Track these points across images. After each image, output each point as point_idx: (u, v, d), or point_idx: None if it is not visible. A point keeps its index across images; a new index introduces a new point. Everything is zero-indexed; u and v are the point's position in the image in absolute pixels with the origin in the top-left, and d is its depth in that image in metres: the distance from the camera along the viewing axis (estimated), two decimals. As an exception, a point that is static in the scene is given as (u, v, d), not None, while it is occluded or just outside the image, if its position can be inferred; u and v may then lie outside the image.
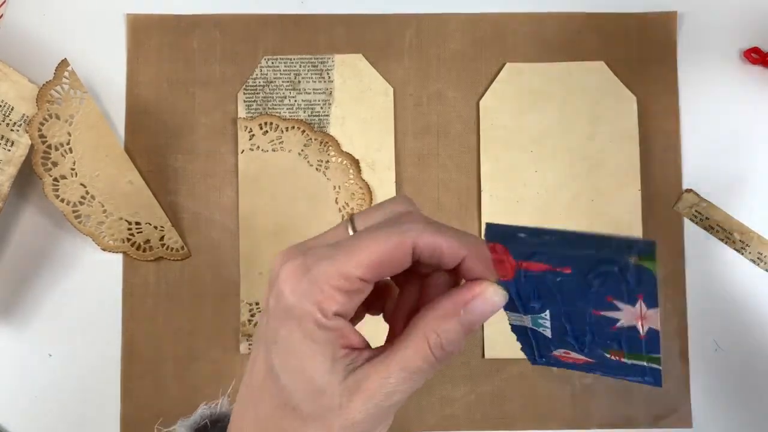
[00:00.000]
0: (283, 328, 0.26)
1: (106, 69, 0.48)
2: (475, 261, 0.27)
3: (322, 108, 0.48)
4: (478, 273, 0.27)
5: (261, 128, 0.47)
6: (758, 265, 0.47)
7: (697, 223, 0.47)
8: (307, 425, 0.26)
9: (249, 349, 0.46)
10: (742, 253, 0.47)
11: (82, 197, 0.45)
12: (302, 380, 0.26)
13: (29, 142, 0.45)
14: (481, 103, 0.48)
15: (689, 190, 0.47)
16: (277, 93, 0.48)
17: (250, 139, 0.47)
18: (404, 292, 0.29)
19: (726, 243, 0.47)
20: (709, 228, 0.47)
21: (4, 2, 0.48)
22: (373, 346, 0.27)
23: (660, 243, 0.47)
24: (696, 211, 0.47)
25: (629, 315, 0.24)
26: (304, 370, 0.26)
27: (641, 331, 0.24)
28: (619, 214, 0.47)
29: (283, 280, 0.26)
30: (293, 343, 0.26)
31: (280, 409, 0.26)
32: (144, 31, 0.48)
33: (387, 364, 0.26)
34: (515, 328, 0.28)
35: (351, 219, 0.28)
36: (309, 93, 0.48)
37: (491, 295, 0.26)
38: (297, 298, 0.26)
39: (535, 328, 0.28)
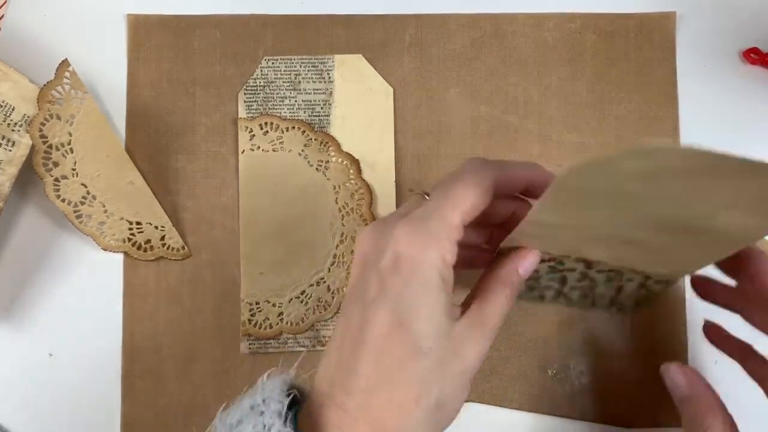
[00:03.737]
0: (413, 281, 0.29)
1: (107, 69, 0.48)
2: (542, 183, 0.33)
3: (322, 108, 0.48)
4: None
5: (261, 128, 0.47)
6: None
7: None
8: (436, 370, 0.29)
9: (249, 348, 0.46)
10: None
11: (83, 197, 0.45)
12: (435, 326, 0.29)
13: (30, 142, 0.45)
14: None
15: None
16: (277, 93, 0.48)
17: (250, 140, 0.47)
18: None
19: None
20: None
21: (4, 2, 0.48)
22: None
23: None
24: None
25: None
26: (434, 317, 0.29)
27: None
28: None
29: (399, 239, 0.29)
30: (422, 293, 0.29)
31: (413, 355, 0.29)
32: (144, 32, 0.48)
33: (479, 321, 0.31)
34: None
35: (423, 193, 0.33)
36: (309, 93, 0.48)
37: (532, 254, 0.33)
38: (420, 251, 0.29)
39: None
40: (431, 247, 0.29)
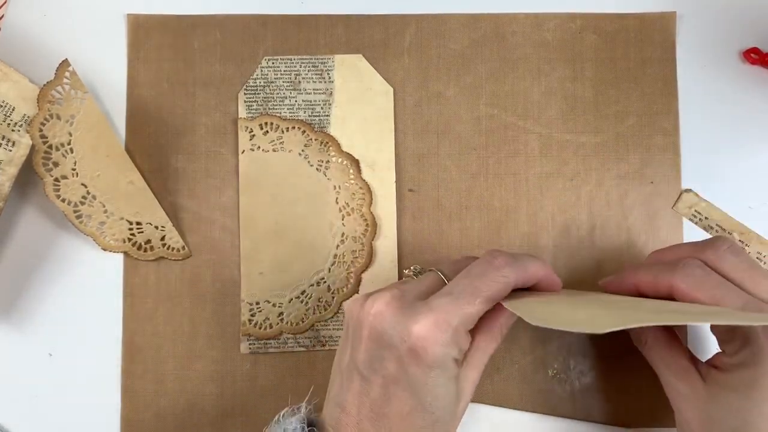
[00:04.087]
0: (433, 372, 0.33)
1: (107, 69, 0.48)
2: (548, 283, 0.38)
3: (322, 108, 0.48)
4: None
5: (261, 128, 0.47)
6: None
7: (696, 223, 0.47)
8: (450, 423, 0.35)
9: (249, 348, 0.46)
10: None
11: (83, 197, 0.45)
12: (450, 400, 0.34)
13: (30, 142, 0.45)
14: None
15: (688, 190, 0.47)
16: (277, 93, 0.48)
17: (250, 140, 0.47)
18: None
19: None
20: (709, 228, 0.47)
21: (4, 2, 0.48)
22: None
23: (659, 245, 0.47)
24: (696, 211, 0.47)
25: None
26: (449, 395, 0.34)
27: None
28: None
29: (419, 332, 0.32)
30: (442, 382, 0.33)
31: (431, 426, 0.34)
32: (144, 31, 0.48)
33: (477, 350, 0.37)
34: None
35: (440, 270, 0.37)
36: (309, 93, 0.48)
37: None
38: (441, 348, 0.33)
39: None
40: (451, 345, 0.33)
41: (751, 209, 0.48)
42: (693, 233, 0.47)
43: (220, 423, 0.46)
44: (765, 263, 0.47)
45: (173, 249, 0.46)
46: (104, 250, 0.46)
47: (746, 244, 0.47)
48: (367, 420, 0.34)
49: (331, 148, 0.47)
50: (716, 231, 0.47)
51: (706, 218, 0.47)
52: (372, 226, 0.47)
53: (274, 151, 0.47)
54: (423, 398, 0.33)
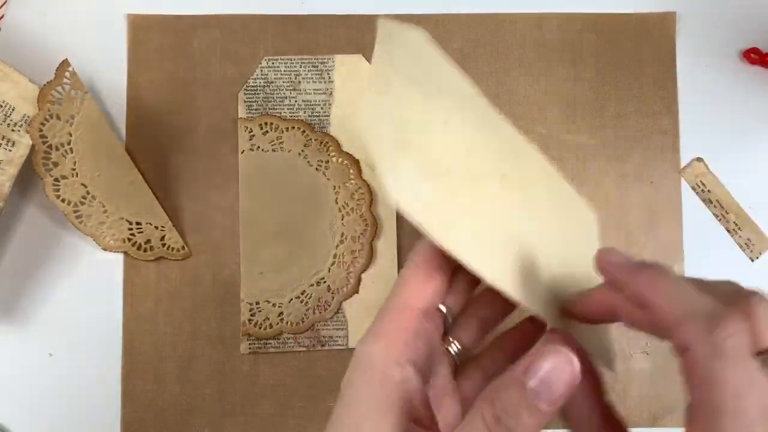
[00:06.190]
0: (352, 386, 0.24)
1: (107, 69, 0.48)
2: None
3: (322, 108, 0.48)
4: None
5: (261, 128, 0.47)
6: (744, 250, 0.47)
7: (698, 194, 0.47)
8: None
9: (249, 348, 0.46)
10: (733, 235, 0.47)
11: (83, 197, 0.45)
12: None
13: (30, 142, 0.45)
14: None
15: (699, 159, 0.47)
16: (277, 93, 0.48)
17: (250, 139, 0.47)
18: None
19: (720, 221, 0.47)
20: (708, 201, 0.47)
21: (4, 2, 0.48)
22: None
23: (659, 245, 0.47)
24: (701, 181, 0.47)
25: None
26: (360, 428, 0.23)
27: None
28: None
29: (356, 349, 0.25)
30: (357, 393, 0.24)
31: None
32: (144, 32, 0.48)
33: None
34: None
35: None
36: (309, 93, 0.48)
37: (559, 357, 0.21)
38: (363, 348, 0.24)
39: None
40: (369, 343, 0.25)
41: (751, 209, 0.48)
42: (694, 232, 0.47)
43: (220, 423, 0.46)
44: (752, 250, 0.47)
45: (173, 249, 0.46)
46: (104, 250, 0.46)
47: (739, 227, 0.47)
48: None
49: (331, 148, 0.47)
50: (715, 206, 0.47)
51: (708, 191, 0.47)
52: (372, 226, 0.47)
53: (273, 151, 0.47)
54: (338, 409, 0.24)
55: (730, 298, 0.21)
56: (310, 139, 0.47)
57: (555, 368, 0.21)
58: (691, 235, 0.47)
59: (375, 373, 0.23)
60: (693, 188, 0.47)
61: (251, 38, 0.48)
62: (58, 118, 0.45)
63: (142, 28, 0.48)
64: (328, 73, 0.48)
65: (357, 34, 0.48)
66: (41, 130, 0.45)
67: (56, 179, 0.45)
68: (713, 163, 0.48)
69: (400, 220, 0.47)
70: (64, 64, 0.45)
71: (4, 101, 0.44)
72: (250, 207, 0.47)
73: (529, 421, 0.21)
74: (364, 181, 0.47)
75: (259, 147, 0.47)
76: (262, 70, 0.48)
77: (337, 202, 0.47)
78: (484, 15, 0.49)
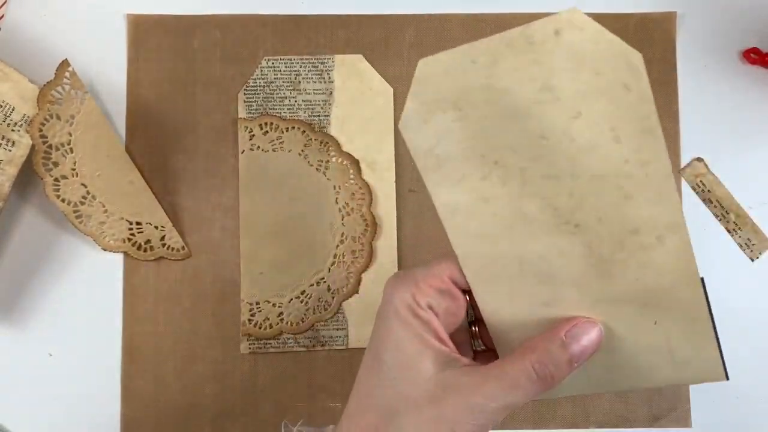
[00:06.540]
0: (383, 316, 0.30)
1: (107, 69, 0.48)
2: None
3: (322, 108, 0.48)
4: None
5: (261, 128, 0.47)
6: (744, 250, 0.47)
7: (698, 194, 0.47)
8: (402, 403, 0.29)
9: (249, 348, 0.46)
10: (733, 235, 0.47)
11: (83, 197, 0.45)
12: (401, 359, 0.29)
13: (30, 142, 0.45)
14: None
15: (700, 159, 0.47)
16: (277, 93, 0.48)
17: (250, 140, 0.47)
18: None
19: (720, 221, 0.47)
20: (708, 201, 0.47)
21: (4, 2, 0.48)
22: None
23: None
24: (701, 181, 0.47)
25: None
26: (403, 350, 0.29)
27: None
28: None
29: (386, 284, 0.30)
30: (391, 327, 0.29)
31: (379, 387, 0.29)
32: (144, 32, 0.48)
33: (485, 373, 0.28)
34: None
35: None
36: (309, 93, 0.48)
37: (588, 325, 0.29)
38: (394, 291, 0.30)
39: None
40: (403, 289, 0.30)
41: (751, 209, 0.48)
42: (693, 232, 0.47)
43: (220, 423, 0.46)
44: (752, 250, 0.47)
45: (173, 249, 0.46)
46: (104, 250, 0.46)
47: (739, 227, 0.47)
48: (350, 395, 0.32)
49: (331, 148, 0.47)
50: (715, 206, 0.47)
51: (708, 191, 0.47)
52: (372, 226, 0.47)
53: (273, 151, 0.47)
54: (377, 348, 0.31)
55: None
56: (310, 139, 0.47)
57: (590, 336, 0.29)
58: (691, 235, 0.47)
59: (406, 309, 0.29)
60: (693, 188, 0.47)
61: (251, 38, 0.48)
62: (58, 118, 0.45)
63: (142, 28, 0.48)
64: (328, 73, 0.48)
65: (357, 34, 0.48)
66: (41, 130, 0.45)
67: (56, 179, 0.45)
68: (713, 163, 0.48)
69: (401, 220, 0.47)
70: (64, 64, 0.45)
71: (4, 101, 0.44)
72: (250, 207, 0.47)
73: (565, 372, 0.28)
74: (364, 181, 0.47)
75: (259, 147, 0.47)
76: (262, 70, 0.48)
77: (337, 202, 0.47)
78: (485, 15, 0.49)
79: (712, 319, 0.29)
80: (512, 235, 0.29)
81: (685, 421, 0.46)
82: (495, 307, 0.30)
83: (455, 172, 0.28)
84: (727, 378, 0.30)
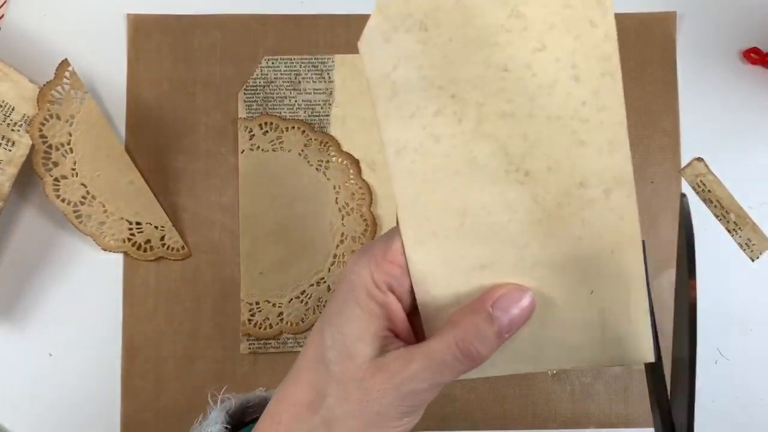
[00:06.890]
0: (338, 292, 0.28)
1: (107, 69, 0.48)
2: None
3: (322, 108, 0.48)
4: None
5: (261, 128, 0.47)
6: (744, 250, 0.47)
7: (698, 194, 0.47)
8: (332, 385, 0.28)
9: (249, 348, 0.46)
10: (733, 235, 0.47)
11: (83, 197, 0.45)
12: (340, 340, 0.28)
13: (30, 142, 0.45)
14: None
15: (700, 159, 0.47)
16: (277, 93, 0.48)
17: (250, 139, 0.47)
18: None
19: (720, 220, 0.47)
20: (708, 201, 0.47)
21: (4, 2, 0.48)
22: None
23: (659, 245, 0.47)
24: (701, 181, 0.47)
25: None
26: (343, 332, 0.28)
27: None
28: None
29: (349, 260, 0.29)
30: (341, 307, 0.28)
31: (316, 363, 0.29)
32: (144, 31, 0.48)
33: (413, 351, 0.27)
34: None
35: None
36: (309, 93, 0.48)
37: (518, 293, 0.27)
38: (353, 269, 0.28)
39: None
40: (361, 267, 0.28)
41: (751, 209, 0.48)
42: (694, 232, 0.47)
43: (220, 423, 0.46)
44: (752, 250, 0.47)
45: (173, 249, 0.46)
46: (104, 250, 0.46)
47: (739, 227, 0.47)
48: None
49: (331, 148, 0.47)
50: (715, 206, 0.47)
51: (709, 191, 0.47)
52: (372, 226, 0.47)
53: (273, 151, 0.47)
54: (322, 323, 0.30)
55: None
56: (310, 139, 0.47)
57: (521, 305, 0.27)
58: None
59: (362, 289, 0.28)
60: (693, 188, 0.47)
61: (251, 38, 0.48)
62: (58, 118, 0.45)
63: (142, 28, 0.48)
64: (328, 73, 0.48)
65: (357, 34, 0.48)
66: (41, 130, 0.45)
67: (56, 179, 0.45)
68: (713, 163, 0.48)
69: (400, 220, 0.47)
70: (64, 64, 0.45)
71: (4, 101, 0.44)
72: (250, 207, 0.47)
73: (495, 346, 0.27)
74: (364, 181, 0.47)
75: (259, 147, 0.47)
76: (262, 70, 0.48)
77: (337, 202, 0.47)
78: (484, 15, 0.49)
79: (649, 292, 0.28)
80: (458, 182, 0.27)
81: (685, 421, 0.46)
82: (426, 275, 0.28)
83: (409, 104, 0.27)
84: (656, 360, 0.28)
